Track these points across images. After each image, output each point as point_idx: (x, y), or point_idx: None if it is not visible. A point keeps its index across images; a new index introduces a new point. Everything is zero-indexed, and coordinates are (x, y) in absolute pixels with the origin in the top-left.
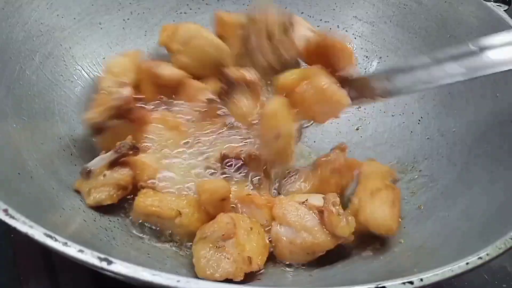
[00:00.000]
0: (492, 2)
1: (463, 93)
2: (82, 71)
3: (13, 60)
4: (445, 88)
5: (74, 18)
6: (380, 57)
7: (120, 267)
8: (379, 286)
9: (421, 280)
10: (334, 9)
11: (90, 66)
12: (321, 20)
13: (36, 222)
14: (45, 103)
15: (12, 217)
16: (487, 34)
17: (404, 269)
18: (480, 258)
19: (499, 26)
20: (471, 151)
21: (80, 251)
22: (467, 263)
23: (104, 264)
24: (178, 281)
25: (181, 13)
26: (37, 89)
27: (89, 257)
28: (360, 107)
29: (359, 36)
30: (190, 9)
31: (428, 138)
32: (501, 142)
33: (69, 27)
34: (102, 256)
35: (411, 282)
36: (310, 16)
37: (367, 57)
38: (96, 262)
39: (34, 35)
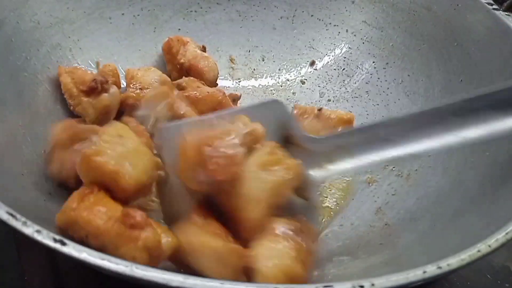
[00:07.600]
0: (501, 11)
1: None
2: (89, 63)
3: (19, 49)
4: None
5: (84, 12)
6: (387, 63)
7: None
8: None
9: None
10: (343, 13)
11: (97, 59)
12: (330, 23)
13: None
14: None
15: (15, 218)
16: (494, 43)
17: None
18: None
19: (506, 36)
20: (466, 161)
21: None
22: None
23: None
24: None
25: (191, 11)
26: (41, 78)
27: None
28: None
29: (368, 41)
30: (201, 7)
31: None
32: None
33: (78, 20)
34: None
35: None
36: (319, 19)
37: (374, 62)
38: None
39: (43, 26)
